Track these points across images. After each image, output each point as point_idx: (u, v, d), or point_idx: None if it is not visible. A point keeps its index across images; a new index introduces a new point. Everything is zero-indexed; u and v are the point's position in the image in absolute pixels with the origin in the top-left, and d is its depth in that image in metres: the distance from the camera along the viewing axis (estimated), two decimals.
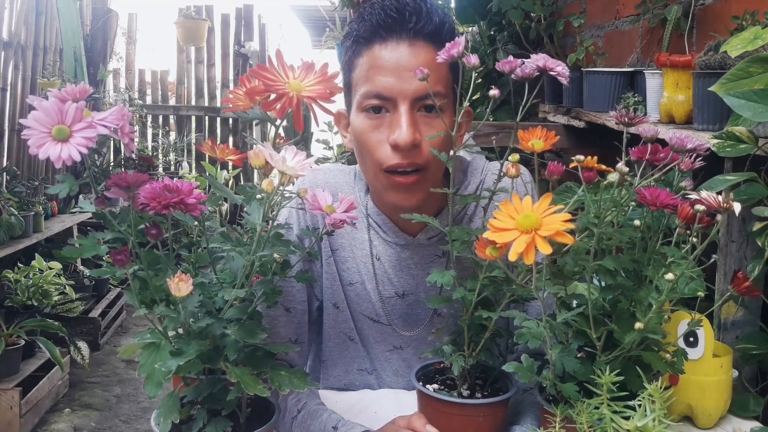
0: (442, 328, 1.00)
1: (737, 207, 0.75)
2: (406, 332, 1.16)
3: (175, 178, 0.76)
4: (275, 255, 0.80)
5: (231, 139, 6.21)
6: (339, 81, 0.82)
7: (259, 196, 0.78)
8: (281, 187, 0.76)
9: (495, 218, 0.73)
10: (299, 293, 1.14)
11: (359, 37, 1.04)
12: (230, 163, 4.65)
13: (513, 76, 0.86)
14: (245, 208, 0.81)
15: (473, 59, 0.86)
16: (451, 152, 0.91)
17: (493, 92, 0.88)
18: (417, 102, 0.99)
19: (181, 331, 0.78)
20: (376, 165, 1.02)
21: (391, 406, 1.11)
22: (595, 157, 0.84)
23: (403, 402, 1.12)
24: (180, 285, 0.71)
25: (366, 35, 1.03)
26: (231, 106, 0.83)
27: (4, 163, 3.97)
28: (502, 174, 0.91)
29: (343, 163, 3.80)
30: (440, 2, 2.93)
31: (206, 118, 6.20)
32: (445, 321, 0.91)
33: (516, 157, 0.87)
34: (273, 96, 0.76)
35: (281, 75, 0.77)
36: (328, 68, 0.78)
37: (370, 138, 1.02)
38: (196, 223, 0.81)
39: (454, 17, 2.84)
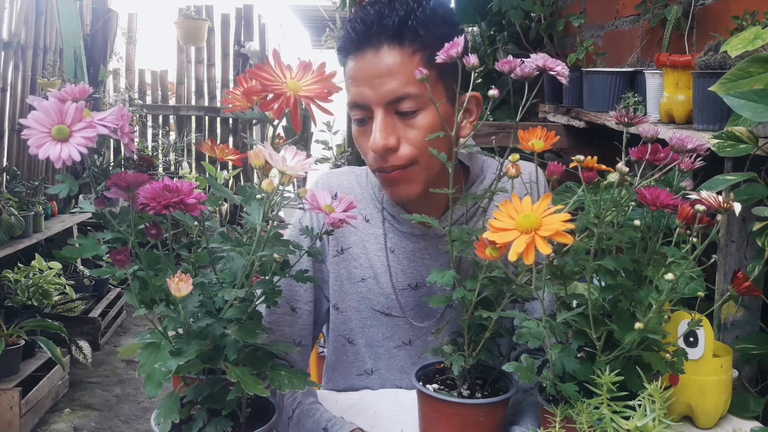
0: (443, 328, 1.00)
1: (737, 207, 0.75)
2: (419, 323, 1.16)
3: (175, 178, 0.76)
4: (275, 255, 0.80)
5: (231, 139, 6.21)
6: (336, 80, 0.81)
7: (259, 196, 0.78)
8: (281, 187, 0.76)
9: (495, 218, 0.73)
10: (306, 293, 1.15)
11: (339, 54, 1.09)
12: (230, 163, 4.66)
13: (512, 75, 0.85)
14: (245, 208, 0.81)
15: (472, 59, 0.86)
16: (459, 142, 0.93)
17: (493, 92, 0.88)
18: (390, 106, 1.02)
19: (181, 331, 0.78)
20: (370, 167, 1.09)
21: (391, 406, 1.12)
22: (595, 157, 0.84)
23: (403, 402, 1.12)
24: (180, 285, 0.71)
25: (342, 52, 1.07)
26: (230, 106, 0.83)
27: (4, 163, 3.98)
28: (502, 174, 0.91)
29: (342, 163, 3.81)
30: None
31: (206, 118, 6.21)
32: (457, 317, 0.93)
33: (516, 156, 0.87)
34: (270, 96, 0.76)
35: (278, 75, 0.76)
36: (326, 67, 0.78)
37: (360, 144, 1.08)
38: (195, 223, 0.80)
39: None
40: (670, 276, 0.75)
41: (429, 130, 1.00)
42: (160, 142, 6.14)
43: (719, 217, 0.77)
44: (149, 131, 6.27)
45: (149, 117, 6.22)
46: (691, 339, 0.97)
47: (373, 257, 1.16)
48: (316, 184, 1.22)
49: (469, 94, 0.88)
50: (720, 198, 0.76)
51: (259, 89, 0.76)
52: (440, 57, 0.87)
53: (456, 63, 0.86)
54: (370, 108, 1.03)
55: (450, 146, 0.93)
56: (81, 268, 4.06)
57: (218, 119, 6.19)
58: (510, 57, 0.87)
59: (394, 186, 1.07)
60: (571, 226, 0.70)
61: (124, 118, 0.70)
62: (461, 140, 0.99)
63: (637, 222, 0.84)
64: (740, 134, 1.09)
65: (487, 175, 1.18)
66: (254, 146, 0.78)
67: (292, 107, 0.76)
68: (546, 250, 0.69)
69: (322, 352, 1.55)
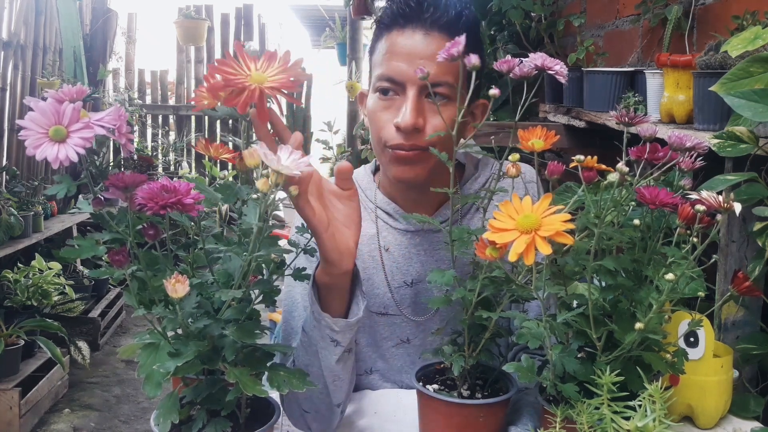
0: (443, 329, 1.00)
1: (738, 207, 0.75)
2: (416, 318, 1.16)
3: (174, 178, 0.76)
4: (272, 255, 0.80)
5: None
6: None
7: (254, 196, 0.77)
8: (276, 187, 0.75)
9: (495, 218, 0.73)
10: None
11: (381, 23, 1.10)
12: (229, 163, 4.65)
13: (511, 75, 0.85)
14: (235, 207, 0.80)
15: (473, 59, 0.86)
16: (461, 141, 0.93)
17: (493, 92, 0.88)
18: (425, 89, 1.03)
19: (179, 331, 0.78)
20: (381, 142, 1.08)
21: (391, 406, 1.11)
22: (595, 157, 0.84)
23: (403, 402, 1.11)
24: (176, 286, 0.71)
25: (387, 21, 1.08)
26: (196, 105, 0.80)
27: (4, 163, 3.97)
28: (502, 174, 0.91)
29: None
30: None
31: (206, 118, 6.20)
32: (453, 309, 0.93)
33: (516, 156, 0.87)
34: (234, 90, 0.73)
35: (242, 68, 0.74)
36: (291, 55, 0.76)
37: (379, 117, 1.07)
38: (192, 223, 0.80)
39: None
40: (670, 276, 0.75)
41: (453, 121, 1.02)
42: (159, 142, 6.13)
43: (719, 217, 0.76)
44: (149, 131, 6.27)
45: (149, 117, 6.22)
46: (692, 339, 0.97)
47: (367, 258, 1.15)
48: None
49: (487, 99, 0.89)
50: (720, 198, 0.75)
51: (222, 84, 0.73)
52: (440, 56, 0.88)
53: (481, 68, 0.87)
54: (403, 84, 1.04)
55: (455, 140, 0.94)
56: (80, 268, 4.05)
57: (218, 119, 6.19)
58: (508, 57, 0.87)
59: (406, 165, 1.06)
60: (571, 226, 0.70)
61: (122, 118, 0.70)
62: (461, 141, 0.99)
63: (637, 222, 0.84)
64: (741, 134, 1.09)
65: (482, 173, 1.19)
66: (231, 143, 0.76)
67: (258, 100, 0.73)
68: (546, 250, 0.68)
69: None
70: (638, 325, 0.77)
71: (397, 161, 1.07)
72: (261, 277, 0.83)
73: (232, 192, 0.80)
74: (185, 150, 6.13)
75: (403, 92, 1.04)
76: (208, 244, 0.80)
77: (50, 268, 3.39)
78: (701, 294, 0.85)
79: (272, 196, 0.74)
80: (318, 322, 0.95)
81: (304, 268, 0.88)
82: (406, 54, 1.04)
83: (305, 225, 0.91)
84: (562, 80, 0.86)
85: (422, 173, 1.07)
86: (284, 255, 0.83)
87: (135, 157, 4.76)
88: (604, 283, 0.84)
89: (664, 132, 1.16)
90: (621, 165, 0.79)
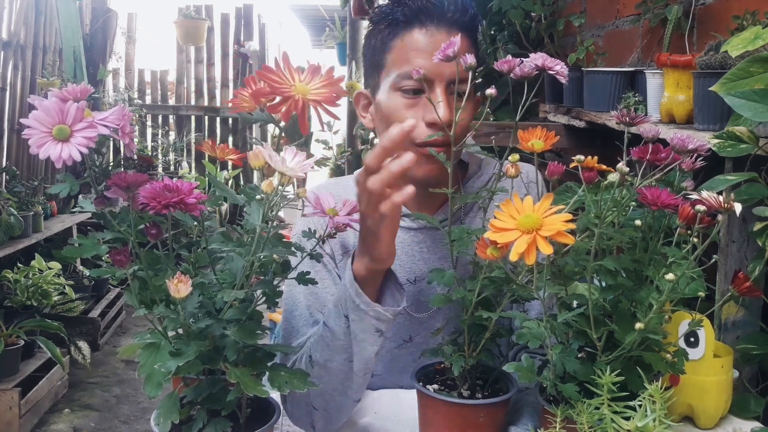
0: (442, 329, 1.00)
1: (738, 207, 0.75)
2: (419, 314, 1.16)
3: (174, 178, 0.76)
4: (275, 255, 0.80)
5: (231, 139, 6.21)
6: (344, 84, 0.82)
7: (258, 197, 0.77)
8: (280, 188, 0.75)
9: (496, 218, 0.73)
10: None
11: (397, 20, 1.09)
12: (230, 163, 4.65)
13: (512, 75, 0.86)
14: (245, 209, 0.81)
15: (469, 59, 0.87)
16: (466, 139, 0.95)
17: (490, 91, 0.88)
18: (450, 85, 1.05)
19: (180, 331, 0.78)
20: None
21: (391, 406, 1.11)
22: (596, 157, 0.84)
23: (403, 402, 1.11)
24: (179, 286, 0.71)
25: (406, 19, 1.08)
26: (235, 106, 0.83)
27: (4, 163, 3.97)
28: (501, 173, 0.91)
29: (342, 164, 3.80)
30: None
31: (206, 117, 6.21)
32: (455, 307, 0.93)
33: (516, 156, 0.87)
34: (279, 98, 0.76)
35: (287, 78, 0.76)
36: (334, 72, 0.78)
37: (403, 114, 1.06)
38: (195, 223, 0.80)
39: None
40: (670, 276, 0.75)
41: (471, 118, 1.06)
42: (159, 142, 6.14)
43: (720, 217, 0.76)
44: (149, 131, 6.27)
45: (149, 117, 6.23)
46: (692, 339, 0.97)
47: None
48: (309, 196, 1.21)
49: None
50: (721, 198, 0.75)
51: (267, 91, 0.76)
52: (437, 57, 0.88)
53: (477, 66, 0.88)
54: (430, 81, 1.04)
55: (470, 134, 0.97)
56: (80, 268, 4.05)
57: (218, 119, 6.20)
58: (509, 57, 0.87)
59: (435, 163, 1.05)
60: (572, 226, 0.70)
61: (125, 118, 0.70)
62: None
63: (637, 222, 0.84)
64: (741, 134, 1.09)
65: (484, 172, 1.19)
66: (255, 146, 0.78)
67: (300, 110, 0.75)
68: (547, 250, 0.68)
69: None
70: (638, 325, 0.77)
71: (426, 160, 1.05)
72: (264, 277, 0.84)
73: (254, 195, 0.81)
74: (185, 150, 6.13)
75: (431, 89, 1.05)
76: (213, 243, 0.80)
77: (50, 268, 3.39)
78: (701, 294, 0.85)
79: (276, 197, 0.74)
80: (364, 313, 0.94)
81: (308, 272, 0.88)
82: (431, 51, 1.03)
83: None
84: (563, 80, 0.86)
85: (445, 169, 1.06)
86: (288, 257, 0.83)
87: (135, 157, 4.76)
88: (604, 283, 0.84)
89: (665, 132, 1.16)
90: (621, 165, 0.79)
